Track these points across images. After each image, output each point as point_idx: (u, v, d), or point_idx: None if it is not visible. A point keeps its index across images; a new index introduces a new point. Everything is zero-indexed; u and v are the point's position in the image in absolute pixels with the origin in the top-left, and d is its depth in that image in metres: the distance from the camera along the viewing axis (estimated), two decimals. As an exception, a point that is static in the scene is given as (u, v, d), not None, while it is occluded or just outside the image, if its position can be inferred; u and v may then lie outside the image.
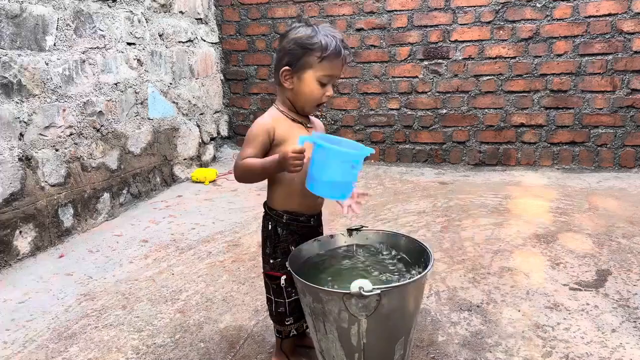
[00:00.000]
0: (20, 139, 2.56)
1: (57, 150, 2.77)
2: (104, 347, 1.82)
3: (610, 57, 3.61)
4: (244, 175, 1.48)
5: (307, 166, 1.38)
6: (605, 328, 1.79)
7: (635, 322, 1.82)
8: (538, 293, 2.05)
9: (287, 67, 1.46)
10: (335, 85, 1.54)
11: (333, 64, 1.44)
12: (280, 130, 1.48)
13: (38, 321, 2.02)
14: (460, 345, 1.73)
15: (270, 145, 1.48)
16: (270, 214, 1.55)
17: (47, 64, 2.70)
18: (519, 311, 1.93)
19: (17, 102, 2.53)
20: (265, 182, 1.56)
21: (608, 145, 3.74)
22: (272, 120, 1.50)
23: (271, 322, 1.67)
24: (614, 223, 2.74)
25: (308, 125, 1.55)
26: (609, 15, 3.56)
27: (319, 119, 1.65)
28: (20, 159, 2.56)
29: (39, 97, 2.65)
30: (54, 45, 2.75)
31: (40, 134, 2.67)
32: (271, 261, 1.56)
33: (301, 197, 1.51)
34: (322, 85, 1.46)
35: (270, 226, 1.55)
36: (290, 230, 1.54)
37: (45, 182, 2.70)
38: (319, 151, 1.34)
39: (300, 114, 1.54)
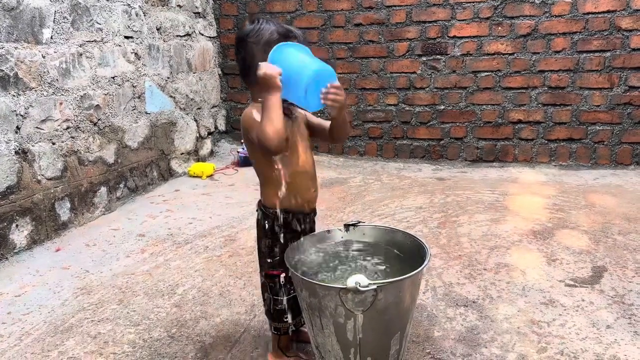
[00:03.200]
0: (16, 132, 2.55)
1: (53, 143, 2.77)
2: (101, 341, 1.82)
3: (608, 54, 3.62)
4: (272, 128, 1.34)
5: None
6: (600, 324, 1.80)
7: (630, 318, 1.83)
8: (534, 289, 2.06)
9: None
10: None
11: None
12: None
13: (34, 315, 2.02)
14: (456, 341, 1.74)
15: None
16: (266, 212, 1.54)
17: (44, 57, 2.68)
18: (515, 307, 1.93)
19: (14, 95, 2.52)
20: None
21: (605, 142, 3.74)
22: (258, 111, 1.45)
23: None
24: (610, 220, 2.75)
25: (292, 115, 1.53)
26: (608, 12, 3.56)
27: (316, 115, 1.63)
28: (16, 153, 2.55)
29: (35, 90, 2.64)
30: (51, 38, 2.74)
31: (37, 127, 2.66)
32: (269, 260, 1.55)
33: (296, 194, 1.51)
34: None
35: (267, 225, 1.54)
36: (287, 228, 1.54)
37: (42, 175, 2.69)
38: (278, 51, 1.36)
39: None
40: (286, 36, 1.43)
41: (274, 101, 1.35)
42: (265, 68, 1.33)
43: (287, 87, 1.35)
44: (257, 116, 1.45)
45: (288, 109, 1.49)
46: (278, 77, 1.33)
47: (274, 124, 1.34)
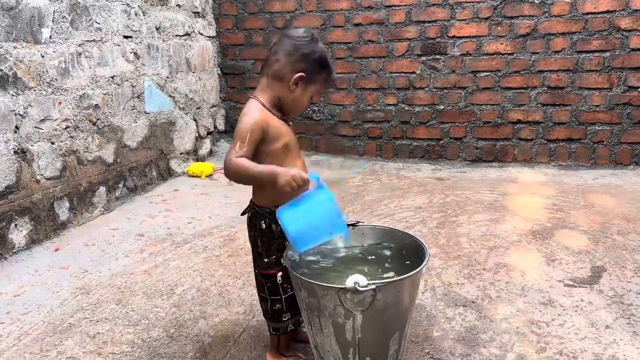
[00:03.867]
0: (15, 132, 2.55)
1: (52, 143, 2.76)
2: (99, 341, 1.82)
3: (607, 54, 3.61)
4: (236, 175, 1.44)
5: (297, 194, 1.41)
6: (599, 324, 1.80)
7: (629, 318, 1.83)
8: (533, 289, 2.06)
9: (303, 74, 1.48)
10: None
11: (327, 83, 1.58)
12: (274, 127, 1.47)
13: (33, 314, 2.02)
14: (455, 341, 1.74)
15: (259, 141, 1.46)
16: (261, 212, 1.53)
17: (43, 57, 2.68)
18: (514, 307, 1.93)
19: (13, 95, 2.52)
20: None
21: (604, 143, 3.74)
22: (264, 115, 1.47)
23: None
24: (610, 220, 2.75)
25: (289, 122, 1.58)
26: (607, 12, 3.55)
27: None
28: (15, 152, 2.55)
29: (34, 90, 2.64)
30: (50, 37, 2.74)
31: (35, 127, 2.65)
32: (266, 260, 1.55)
33: (292, 193, 1.50)
34: (310, 97, 1.55)
35: (263, 224, 1.53)
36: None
37: (41, 175, 2.69)
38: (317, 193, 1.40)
39: (285, 113, 1.56)
40: (324, 66, 1.53)
41: (261, 181, 1.46)
42: (302, 177, 1.38)
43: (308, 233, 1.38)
44: (253, 113, 1.46)
45: (283, 119, 1.53)
46: (296, 187, 1.37)
47: (239, 180, 1.47)
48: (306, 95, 1.52)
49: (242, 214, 1.61)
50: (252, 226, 1.57)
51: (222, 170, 4.01)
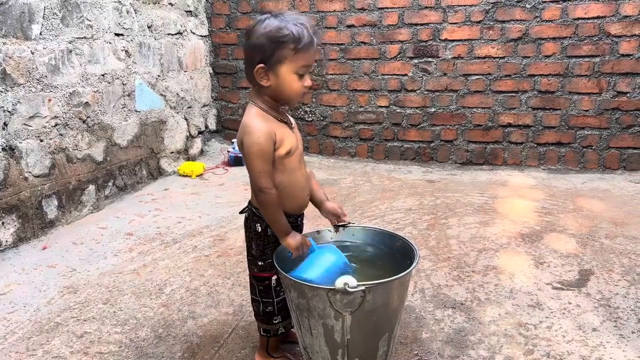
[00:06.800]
0: (4, 129, 2.52)
1: (41, 140, 2.74)
2: (86, 340, 1.80)
3: (597, 59, 3.65)
4: (262, 205, 1.44)
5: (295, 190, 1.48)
6: (586, 327, 1.81)
7: (615, 321, 1.85)
8: (521, 292, 2.07)
9: (261, 65, 1.38)
10: (313, 72, 1.51)
11: (308, 53, 1.38)
12: (279, 133, 1.44)
13: (19, 313, 2.00)
14: (443, 342, 1.74)
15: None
16: (258, 214, 1.51)
17: (32, 53, 2.66)
18: (502, 309, 1.94)
19: (1, 91, 2.49)
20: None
21: (593, 147, 3.78)
22: (267, 122, 1.43)
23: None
24: (598, 224, 2.77)
25: (291, 125, 1.52)
26: (597, 17, 3.59)
27: (307, 115, 1.64)
28: (3, 149, 2.52)
29: (23, 87, 2.61)
30: (40, 34, 2.71)
31: (24, 124, 2.63)
32: (260, 263, 1.53)
33: (291, 199, 1.50)
34: (300, 76, 1.41)
35: (259, 227, 1.51)
36: None
37: (29, 172, 2.66)
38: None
39: (285, 105, 1.51)
40: (279, 40, 1.36)
41: (271, 226, 1.47)
42: (306, 244, 1.45)
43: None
44: (258, 124, 1.41)
45: (284, 121, 1.49)
46: (297, 253, 1.44)
47: (262, 208, 1.46)
48: (286, 80, 1.40)
49: (241, 212, 1.59)
50: (248, 227, 1.55)
51: (213, 170, 4.01)
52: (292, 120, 1.56)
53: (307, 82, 1.43)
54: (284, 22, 1.37)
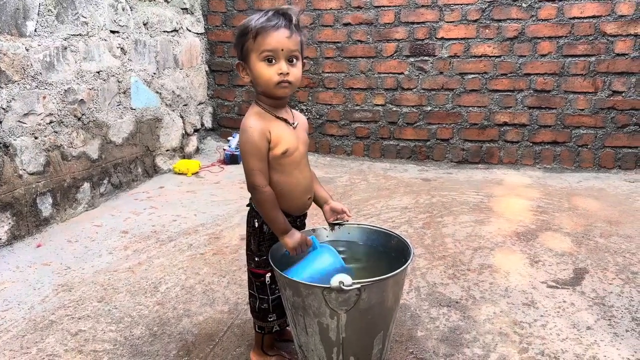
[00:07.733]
0: (-2, 126, 2.51)
1: (36, 138, 2.72)
2: (81, 338, 1.79)
3: (593, 58, 3.66)
4: (258, 204, 1.46)
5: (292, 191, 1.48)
6: (580, 325, 1.82)
7: (610, 320, 1.85)
8: (516, 290, 2.07)
9: (238, 62, 1.45)
10: (297, 59, 1.42)
11: (267, 36, 1.35)
12: (275, 133, 1.43)
13: (14, 311, 1.99)
14: (438, 341, 1.74)
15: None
16: (256, 210, 1.51)
17: (27, 50, 2.64)
18: (497, 308, 1.95)
19: (-4, 88, 2.48)
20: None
21: (589, 146, 3.79)
22: (263, 120, 1.42)
23: (251, 316, 1.66)
24: (593, 223, 2.78)
25: (293, 124, 1.49)
26: (593, 17, 3.60)
27: (304, 113, 1.62)
28: (-3, 146, 2.51)
29: (18, 84, 2.60)
30: (35, 31, 2.70)
31: (19, 121, 2.61)
32: (256, 259, 1.53)
33: (290, 200, 1.49)
34: (269, 62, 1.37)
35: (256, 224, 1.51)
36: None
37: (24, 170, 2.65)
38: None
39: (276, 98, 1.46)
40: (243, 33, 1.39)
41: (270, 225, 1.46)
42: (307, 243, 1.46)
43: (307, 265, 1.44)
44: (252, 123, 1.41)
45: (285, 120, 1.48)
46: (299, 252, 1.44)
47: (259, 207, 1.46)
48: (255, 70, 1.38)
49: (248, 205, 1.58)
50: (248, 222, 1.55)
51: (209, 168, 4.00)
52: (300, 119, 1.54)
53: (280, 68, 1.37)
54: (251, 16, 1.41)
